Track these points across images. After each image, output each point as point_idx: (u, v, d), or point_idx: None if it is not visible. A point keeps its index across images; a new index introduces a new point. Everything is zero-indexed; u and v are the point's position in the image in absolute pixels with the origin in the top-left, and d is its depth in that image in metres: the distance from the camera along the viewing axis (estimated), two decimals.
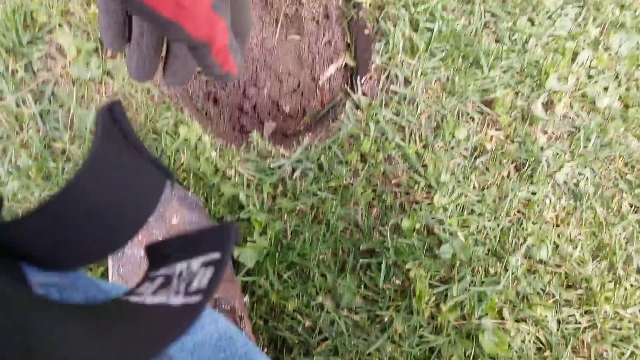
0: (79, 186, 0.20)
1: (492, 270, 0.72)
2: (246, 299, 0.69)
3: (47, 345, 0.16)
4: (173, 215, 0.65)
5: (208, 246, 0.23)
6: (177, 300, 0.21)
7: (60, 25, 0.71)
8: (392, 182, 0.74)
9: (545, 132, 0.75)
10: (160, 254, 0.25)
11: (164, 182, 0.25)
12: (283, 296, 0.69)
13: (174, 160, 0.70)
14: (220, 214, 0.71)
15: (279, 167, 0.73)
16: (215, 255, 0.22)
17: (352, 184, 0.72)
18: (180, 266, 0.23)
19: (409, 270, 0.69)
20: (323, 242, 0.70)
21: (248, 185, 0.72)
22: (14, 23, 0.70)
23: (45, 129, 0.69)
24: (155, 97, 0.73)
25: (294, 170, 0.73)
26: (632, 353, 0.70)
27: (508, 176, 0.74)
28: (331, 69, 0.86)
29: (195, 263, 0.22)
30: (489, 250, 0.72)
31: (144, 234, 0.62)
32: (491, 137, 0.74)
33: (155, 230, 0.63)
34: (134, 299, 0.22)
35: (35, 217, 0.19)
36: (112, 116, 0.24)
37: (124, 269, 0.65)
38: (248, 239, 0.67)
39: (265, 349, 0.70)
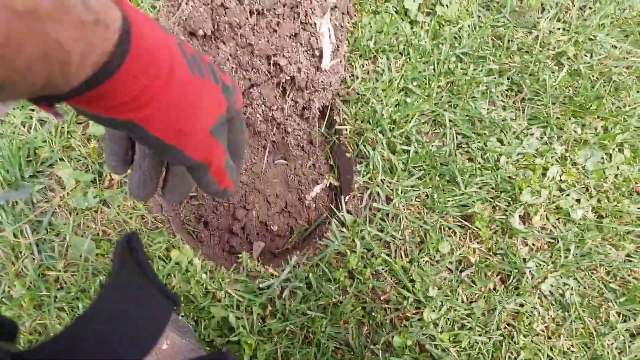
0: (94, 315, 0.28)
1: None
2: None
3: None
4: (163, 341, 0.85)
5: None
6: None
7: (61, 159, 0.98)
8: (381, 298, 0.95)
9: (526, 244, 0.99)
10: None
11: (171, 309, 0.35)
12: None
13: (165, 284, 0.92)
14: (210, 338, 0.91)
15: (268, 287, 0.95)
16: None
17: (341, 302, 0.94)
18: None
19: None
20: None
21: (238, 307, 0.93)
22: (18, 159, 0.97)
23: (40, 258, 0.92)
24: (149, 222, 0.97)
25: (282, 290, 0.94)
26: None
27: (494, 289, 0.96)
28: (316, 189, 1.13)
29: None
30: None
31: None
32: (474, 250, 0.98)
33: (147, 357, 0.82)
34: None
35: (49, 346, 0.26)
36: (130, 247, 0.36)
37: None
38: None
39: None
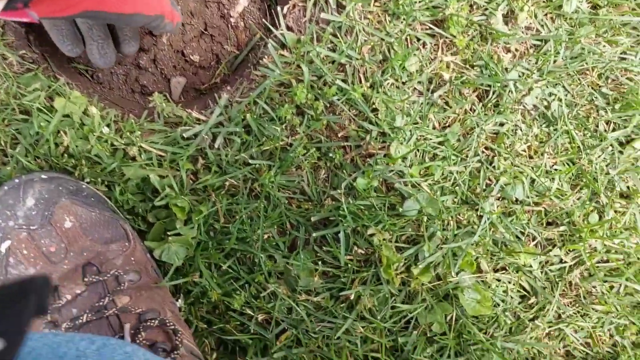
0: None
1: (464, 221, 0.82)
2: (180, 302, 0.74)
3: None
4: (65, 218, 0.66)
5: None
6: None
7: None
8: (339, 135, 0.79)
9: (509, 50, 0.83)
10: None
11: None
12: (226, 292, 0.75)
13: (56, 145, 0.71)
14: (129, 204, 0.74)
15: (195, 136, 0.76)
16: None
17: (290, 145, 0.77)
18: None
19: (371, 236, 0.77)
20: (265, 219, 0.76)
21: (160, 164, 0.75)
22: None
23: None
24: (14, 64, 0.72)
25: (214, 137, 0.75)
26: (622, 286, 0.85)
27: (471, 109, 0.82)
28: (243, 2, 0.88)
29: None
30: (458, 198, 0.81)
31: (32, 247, 0.64)
32: (447, 64, 0.81)
33: (45, 239, 0.64)
34: None
35: None
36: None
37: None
38: (169, 231, 0.71)
39: (215, 354, 0.77)
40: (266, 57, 0.73)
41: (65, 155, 0.68)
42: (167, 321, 0.63)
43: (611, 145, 0.80)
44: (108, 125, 0.69)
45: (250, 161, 0.72)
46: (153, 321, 0.62)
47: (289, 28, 0.74)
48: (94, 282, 0.62)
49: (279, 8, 0.74)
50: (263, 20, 0.81)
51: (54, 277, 0.62)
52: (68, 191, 0.64)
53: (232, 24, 0.84)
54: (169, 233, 0.68)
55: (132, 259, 0.66)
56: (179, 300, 0.71)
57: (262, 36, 0.79)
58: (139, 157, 0.70)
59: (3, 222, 0.61)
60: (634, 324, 0.81)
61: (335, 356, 0.73)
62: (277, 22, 0.74)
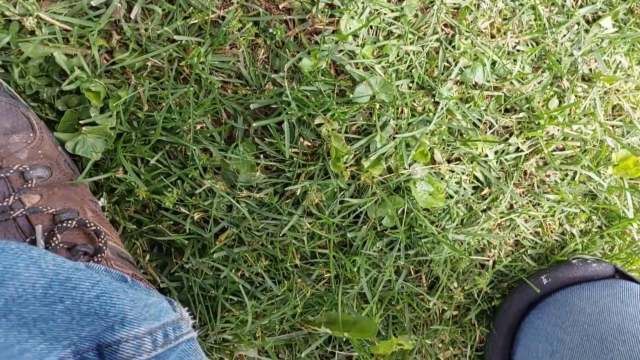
0: None
1: (419, 108, 0.76)
2: (103, 201, 0.66)
3: None
4: None
5: None
6: None
7: None
8: (280, 6, 0.68)
9: None
10: None
11: None
12: (156, 189, 0.67)
13: None
14: (32, 89, 0.63)
15: (107, 5, 0.63)
16: None
17: (223, 18, 0.66)
18: None
19: (319, 126, 0.70)
20: (196, 107, 0.66)
21: (66, 40, 0.63)
22: None
23: None
24: None
25: (130, 8, 0.63)
26: (577, 174, 0.84)
27: None
28: None
29: None
30: (414, 82, 0.75)
31: None
32: None
33: None
34: None
35: None
36: None
37: None
38: (82, 120, 0.61)
39: (147, 256, 0.71)
40: None
41: None
42: (87, 222, 0.56)
43: (577, 23, 0.74)
44: None
45: (175, 37, 0.61)
46: (70, 222, 0.55)
47: None
48: None
49: None
50: None
51: None
52: None
53: None
54: (82, 122, 0.58)
55: (40, 152, 0.57)
56: (101, 199, 0.63)
57: None
58: (39, 30, 0.58)
59: None
60: (584, 212, 0.80)
61: (280, 254, 0.69)
62: None
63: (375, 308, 0.73)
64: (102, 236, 0.55)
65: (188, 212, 0.65)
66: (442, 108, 0.70)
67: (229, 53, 0.64)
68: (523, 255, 0.79)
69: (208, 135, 0.65)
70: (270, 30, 0.64)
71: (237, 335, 0.71)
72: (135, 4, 0.59)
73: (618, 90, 0.78)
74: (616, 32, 0.77)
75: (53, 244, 0.53)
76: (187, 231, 0.65)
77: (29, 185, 0.55)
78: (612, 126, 0.80)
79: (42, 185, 0.56)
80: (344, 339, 0.75)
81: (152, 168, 0.63)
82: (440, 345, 0.79)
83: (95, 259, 0.54)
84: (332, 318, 0.71)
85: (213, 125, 0.66)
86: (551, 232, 0.81)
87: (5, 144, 0.55)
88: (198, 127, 0.65)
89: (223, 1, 0.63)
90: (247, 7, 0.63)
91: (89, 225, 0.55)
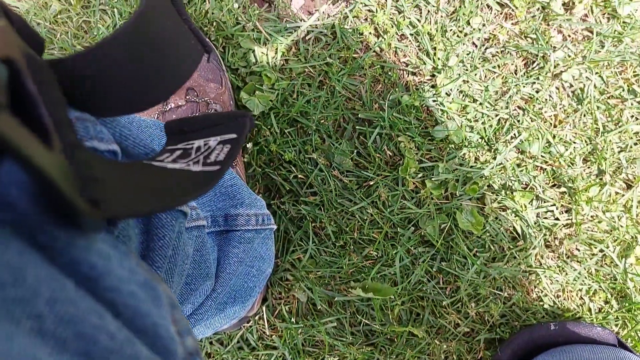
0: (126, 35, 0.27)
1: (482, 158, 1.01)
2: (250, 145, 1.03)
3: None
4: None
5: (226, 129, 0.32)
6: (197, 168, 0.29)
7: None
8: (401, 60, 1.03)
9: (561, 32, 1.01)
10: (178, 131, 0.34)
11: (202, 53, 0.34)
12: (282, 148, 1.01)
13: (200, 8, 1.02)
14: (235, 66, 1.03)
15: (295, 29, 1.03)
16: (232, 136, 0.31)
17: (361, 57, 1.02)
18: (199, 142, 0.32)
19: (401, 142, 1.00)
20: (326, 106, 1.01)
21: (265, 43, 1.04)
22: None
23: None
24: None
25: (308, 34, 1.03)
26: (601, 251, 1.00)
27: (515, 72, 1.02)
28: None
29: (213, 141, 0.31)
30: (482, 138, 1.01)
31: None
32: (506, 30, 1.01)
33: None
34: (155, 164, 0.29)
35: (88, 56, 0.26)
36: None
37: None
38: (257, 88, 1.00)
39: (261, 195, 1.04)
40: None
41: (205, 17, 0.98)
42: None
43: (628, 134, 0.96)
44: (237, 3, 0.98)
45: (328, 59, 0.98)
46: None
47: None
48: (192, 101, 0.91)
49: None
50: None
51: None
52: None
53: None
54: (257, 91, 0.96)
55: (221, 97, 0.95)
56: (249, 144, 0.99)
57: None
58: (252, 33, 0.99)
59: None
60: (603, 291, 0.97)
61: (344, 226, 0.97)
62: None
63: (401, 291, 0.96)
64: (236, 161, 0.90)
65: (295, 172, 0.98)
66: (497, 163, 0.96)
67: (358, 79, 0.99)
68: (539, 307, 0.97)
69: (326, 127, 0.98)
70: (390, 73, 0.98)
71: (295, 277, 0.99)
72: (311, 34, 0.98)
73: None
74: None
75: None
76: (291, 184, 0.98)
77: (209, 111, 0.92)
78: None
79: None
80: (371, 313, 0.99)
81: (284, 134, 0.98)
82: (445, 352, 0.98)
83: (231, 165, 0.89)
84: (365, 285, 0.96)
85: (332, 122, 0.99)
86: (571, 300, 0.98)
87: (204, 85, 0.94)
88: (322, 120, 0.99)
89: (365, 46, 0.98)
90: (379, 54, 0.98)
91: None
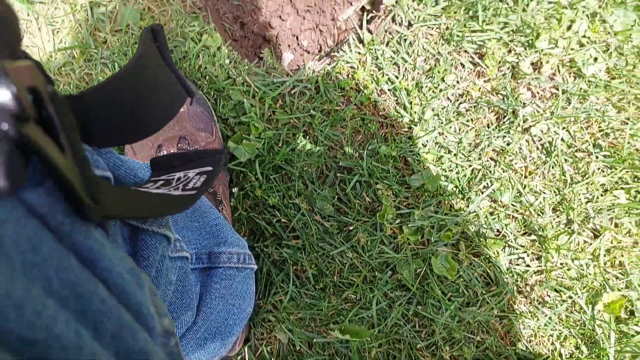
0: (125, 77, 0.33)
1: (456, 206, 1.07)
2: (235, 189, 1.09)
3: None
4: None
5: (204, 162, 0.39)
6: (177, 192, 0.36)
7: None
8: (380, 113, 1.10)
9: (530, 89, 1.08)
10: (163, 166, 0.41)
11: (185, 96, 0.41)
12: (266, 193, 1.07)
13: (194, 63, 1.10)
14: (225, 117, 1.11)
15: (282, 84, 1.11)
16: (209, 168, 0.38)
17: (343, 110, 1.09)
18: (179, 174, 0.39)
19: (379, 190, 1.06)
20: (309, 154, 1.08)
21: (253, 96, 1.11)
22: None
23: (92, 19, 1.12)
24: (187, 5, 1.13)
25: (294, 88, 1.11)
26: (570, 297, 1.04)
27: (488, 125, 1.09)
28: (349, 11, 1.23)
29: (192, 172, 0.38)
30: (456, 187, 1.07)
31: None
32: (479, 87, 1.09)
33: None
34: (141, 189, 0.36)
35: (94, 93, 0.31)
36: (154, 36, 0.39)
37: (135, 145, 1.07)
38: (244, 137, 1.07)
39: (245, 237, 1.10)
40: (346, 44, 1.07)
41: (198, 71, 1.06)
42: (218, 193, 0.97)
43: (594, 186, 1.02)
44: (229, 60, 1.06)
45: (312, 111, 1.05)
46: (209, 189, 0.97)
47: (369, 31, 1.08)
48: (184, 149, 0.98)
49: (364, 15, 1.08)
50: (357, 27, 1.16)
51: (161, 139, 0.99)
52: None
53: (337, 26, 1.20)
54: (244, 140, 1.03)
55: (211, 146, 1.02)
56: (235, 188, 1.05)
57: (353, 37, 1.14)
58: (242, 87, 1.07)
59: None
60: (573, 337, 1.01)
61: (325, 269, 1.02)
62: (361, 25, 1.09)
63: (378, 333, 1.00)
64: (222, 204, 0.96)
65: (279, 216, 1.03)
66: (470, 211, 1.01)
67: (340, 131, 1.06)
68: (511, 351, 1.01)
69: (309, 174, 1.05)
70: (369, 125, 1.05)
71: (277, 319, 1.03)
72: (297, 88, 1.05)
73: (621, 248, 1.01)
74: (628, 203, 1.03)
75: None
76: (275, 227, 1.03)
77: None
78: (613, 275, 1.02)
79: None
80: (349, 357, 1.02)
81: (269, 180, 1.04)
82: None
83: (218, 208, 0.95)
84: (343, 327, 1.00)
85: (314, 169, 1.06)
86: (543, 345, 1.02)
87: (196, 134, 1.01)
88: (305, 167, 1.05)
89: (346, 99, 1.06)
90: (359, 107, 1.06)
91: (217, 195, 0.97)
